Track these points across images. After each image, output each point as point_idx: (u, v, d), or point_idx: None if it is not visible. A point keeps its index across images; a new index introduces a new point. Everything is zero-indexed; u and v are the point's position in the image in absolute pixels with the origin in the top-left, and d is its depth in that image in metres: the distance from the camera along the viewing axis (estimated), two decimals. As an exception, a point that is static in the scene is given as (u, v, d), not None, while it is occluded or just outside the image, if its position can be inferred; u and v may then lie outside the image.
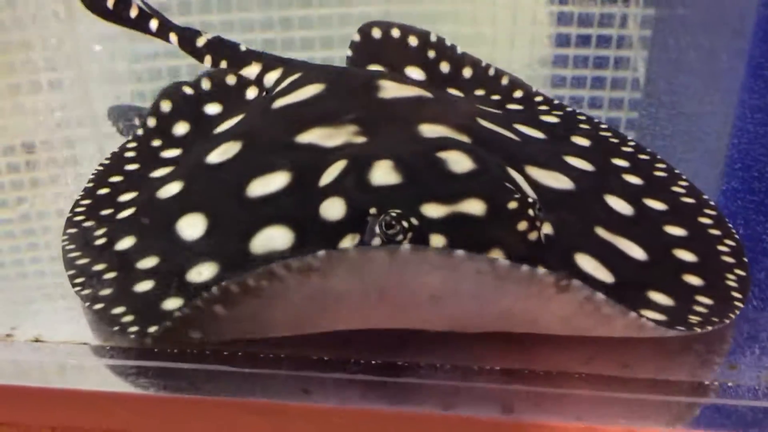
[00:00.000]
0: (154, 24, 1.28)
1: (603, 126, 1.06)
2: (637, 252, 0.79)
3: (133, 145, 1.05)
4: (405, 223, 0.67)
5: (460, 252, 0.56)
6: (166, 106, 1.09)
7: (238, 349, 0.72)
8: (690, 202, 0.89)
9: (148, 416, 0.73)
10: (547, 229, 0.73)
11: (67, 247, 0.85)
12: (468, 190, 0.71)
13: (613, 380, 0.68)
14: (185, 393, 0.71)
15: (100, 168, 1.00)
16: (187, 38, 1.26)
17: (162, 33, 1.28)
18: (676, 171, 0.95)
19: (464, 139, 0.83)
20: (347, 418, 0.69)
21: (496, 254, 0.65)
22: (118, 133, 1.23)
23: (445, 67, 1.17)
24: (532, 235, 0.67)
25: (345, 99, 0.94)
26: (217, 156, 0.93)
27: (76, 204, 0.93)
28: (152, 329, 0.70)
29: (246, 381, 0.71)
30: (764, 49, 1.39)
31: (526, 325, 0.66)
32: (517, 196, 0.70)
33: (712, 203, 0.89)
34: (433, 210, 0.70)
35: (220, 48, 1.24)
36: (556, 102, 1.13)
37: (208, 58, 1.25)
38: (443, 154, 0.76)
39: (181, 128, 1.07)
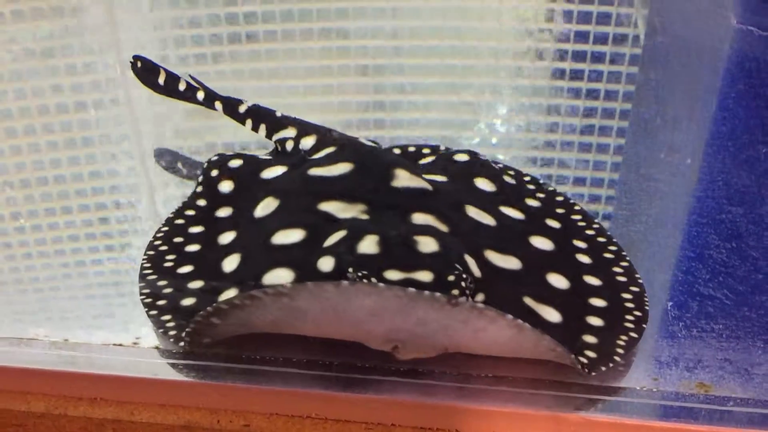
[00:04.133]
0: (201, 95, 1.49)
1: (576, 208, 1.30)
2: (554, 317, 1.02)
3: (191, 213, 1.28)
4: (367, 281, 0.93)
5: (381, 284, 0.83)
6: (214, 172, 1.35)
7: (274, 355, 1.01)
8: (622, 280, 1.12)
9: (220, 397, 1.00)
10: (478, 297, 0.98)
11: (144, 265, 1.13)
12: (424, 264, 0.96)
13: (573, 385, 0.96)
14: (247, 383, 0.99)
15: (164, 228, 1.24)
16: (230, 105, 1.48)
17: (208, 102, 1.49)
18: (623, 253, 1.18)
19: (443, 227, 1.07)
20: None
21: None
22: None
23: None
24: (460, 298, 0.90)
25: (364, 181, 1.19)
26: (260, 210, 1.19)
27: (155, 236, 1.21)
28: (180, 336, 0.98)
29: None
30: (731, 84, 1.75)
31: (439, 336, 0.89)
32: (457, 272, 0.95)
33: (640, 281, 1.11)
34: (393, 275, 0.93)
35: (259, 114, 1.46)
36: (541, 182, 1.37)
37: (248, 122, 1.46)
38: (418, 238, 1.00)
39: (226, 186, 1.31)
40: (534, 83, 1.90)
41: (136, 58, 1.55)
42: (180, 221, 1.24)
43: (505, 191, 1.32)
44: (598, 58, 1.93)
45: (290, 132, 1.42)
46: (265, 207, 1.19)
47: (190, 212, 1.26)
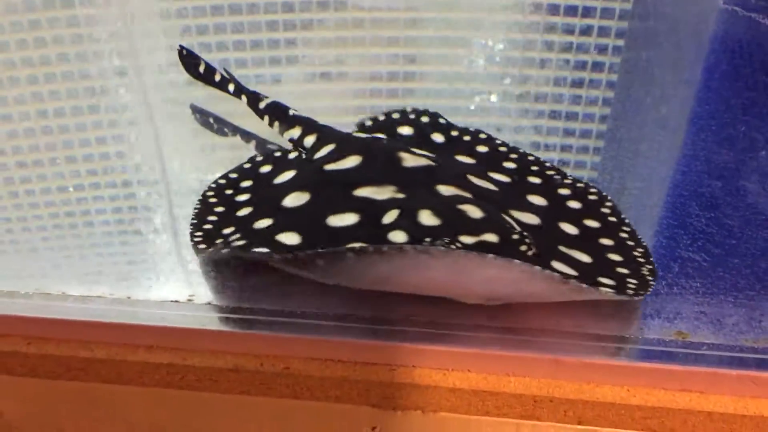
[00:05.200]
0: (231, 87, 1.64)
1: (548, 165, 1.44)
2: (585, 258, 1.17)
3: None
4: (453, 246, 1.06)
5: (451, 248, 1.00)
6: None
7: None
8: (614, 220, 1.29)
9: (263, 344, 1.14)
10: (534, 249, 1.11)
11: (194, 215, 1.27)
12: (485, 228, 1.08)
13: (571, 333, 1.12)
14: (287, 333, 1.13)
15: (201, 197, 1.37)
16: (254, 99, 1.60)
17: (237, 94, 1.63)
18: (604, 194, 1.35)
19: (468, 195, 1.20)
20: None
21: None
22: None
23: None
24: (530, 252, 1.07)
25: (380, 167, 1.29)
26: (291, 201, 1.23)
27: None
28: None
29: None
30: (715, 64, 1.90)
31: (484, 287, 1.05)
32: (516, 231, 1.09)
33: (627, 222, 1.29)
34: (468, 239, 1.05)
35: (275, 111, 1.56)
36: (511, 145, 1.51)
37: (266, 118, 1.56)
38: (462, 207, 1.13)
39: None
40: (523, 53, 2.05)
41: (181, 47, 1.74)
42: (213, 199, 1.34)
43: (484, 159, 1.45)
44: (585, 30, 2.06)
45: (296, 131, 1.49)
46: (295, 199, 1.26)
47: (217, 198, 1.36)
